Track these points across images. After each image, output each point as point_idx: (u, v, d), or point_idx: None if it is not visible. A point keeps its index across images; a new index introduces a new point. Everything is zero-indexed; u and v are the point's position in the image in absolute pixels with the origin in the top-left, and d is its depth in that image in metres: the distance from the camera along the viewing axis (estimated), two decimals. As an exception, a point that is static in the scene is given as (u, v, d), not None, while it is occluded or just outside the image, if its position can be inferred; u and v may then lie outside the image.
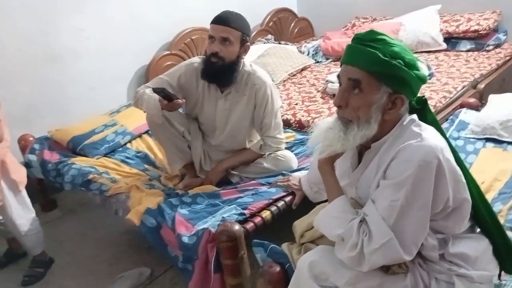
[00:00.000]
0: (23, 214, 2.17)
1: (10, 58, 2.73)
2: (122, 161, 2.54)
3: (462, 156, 2.16)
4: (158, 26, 3.49)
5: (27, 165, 2.56)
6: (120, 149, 2.67)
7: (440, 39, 3.61)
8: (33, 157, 2.61)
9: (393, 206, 1.13)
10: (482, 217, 1.29)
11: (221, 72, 1.97)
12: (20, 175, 2.16)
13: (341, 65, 1.26)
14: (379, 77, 1.17)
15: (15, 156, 2.22)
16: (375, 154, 1.25)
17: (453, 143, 2.26)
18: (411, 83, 1.19)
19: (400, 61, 1.16)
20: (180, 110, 2.18)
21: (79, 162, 2.48)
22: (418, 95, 1.28)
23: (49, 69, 2.93)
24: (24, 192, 2.18)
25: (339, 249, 1.19)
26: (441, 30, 3.63)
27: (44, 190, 2.83)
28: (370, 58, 1.16)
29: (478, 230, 1.33)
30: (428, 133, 1.19)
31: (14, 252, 2.41)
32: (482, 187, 1.89)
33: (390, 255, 1.13)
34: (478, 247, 1.27)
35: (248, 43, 2.02)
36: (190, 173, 2.27)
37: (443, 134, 1.26)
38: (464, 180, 1.22)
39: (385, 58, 1.15)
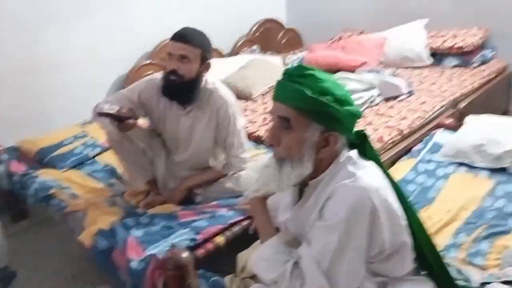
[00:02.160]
0: None
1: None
2: (89, 174, 2.47)
3: (431, 181, 2.10)
4: (139, 35, 3.44)
5: (-6, 175, 2.51)
6: (89, 161, 2.60)
7: (425, 55, 3.54)
8: (1, 168, 2.56)
9: (326, 250, 1.08)
10: (427, 260, 1.22)
11: (180, 89, 1.92)
12: None
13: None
14: (308, 115, 1.12)
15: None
16: (312, 191, 1.20)
17: (423, 166, 2.21)
18: (342, 120, 1.13)
19: (328, 97, 1.11)
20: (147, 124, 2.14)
21: (44, 175, 2.42)
22: (359, 129, 1.23)
23: (27, 80, 2.90)
24: None
25: None
26: (427, 45, 3.57)
27: (14, 200, 2.77)
28: (297, 95, 1.11)
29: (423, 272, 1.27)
30: (364, 172, 1.13)
31: None
32: (448, 216, 1.84)
33: None
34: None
35: (209, 61, 1.96)
36: (154, 190, 2.21)
37: (384, 170, 1.20)
38: (403, 223, 1.15)
39: (313, 95, 1.10)
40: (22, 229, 2.76)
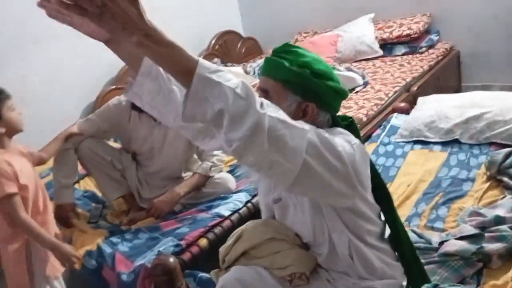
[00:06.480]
0: None
1: None
2: (70, 203, 2.55)
3: (391, 161, 2.26)
4: (102, 61, 3.49)
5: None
6: (68, 190, 2.68)
7: (376, 46, 3.75)
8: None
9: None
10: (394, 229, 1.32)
11: None
12: None
13: None
14: (286, 85, 1.20)
15: None
16: None
17: (383, 149, 2.37)
18: (320, 93, 1.20)
19: (307, 70, 1.19)
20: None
21: (26, 209, 2.48)
22: (345, 115, 1.33)
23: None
24: None
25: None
26: (376, 37, 3.77)
27: None
28: (277, 67, 1.21)
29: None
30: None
31: None
32: (408, 190, 1.99)
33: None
34: (385, 258, 1.29)
35: None
36: (132, 206, 2.29)
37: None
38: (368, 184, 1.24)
39: (291, 67, 1.19)
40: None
